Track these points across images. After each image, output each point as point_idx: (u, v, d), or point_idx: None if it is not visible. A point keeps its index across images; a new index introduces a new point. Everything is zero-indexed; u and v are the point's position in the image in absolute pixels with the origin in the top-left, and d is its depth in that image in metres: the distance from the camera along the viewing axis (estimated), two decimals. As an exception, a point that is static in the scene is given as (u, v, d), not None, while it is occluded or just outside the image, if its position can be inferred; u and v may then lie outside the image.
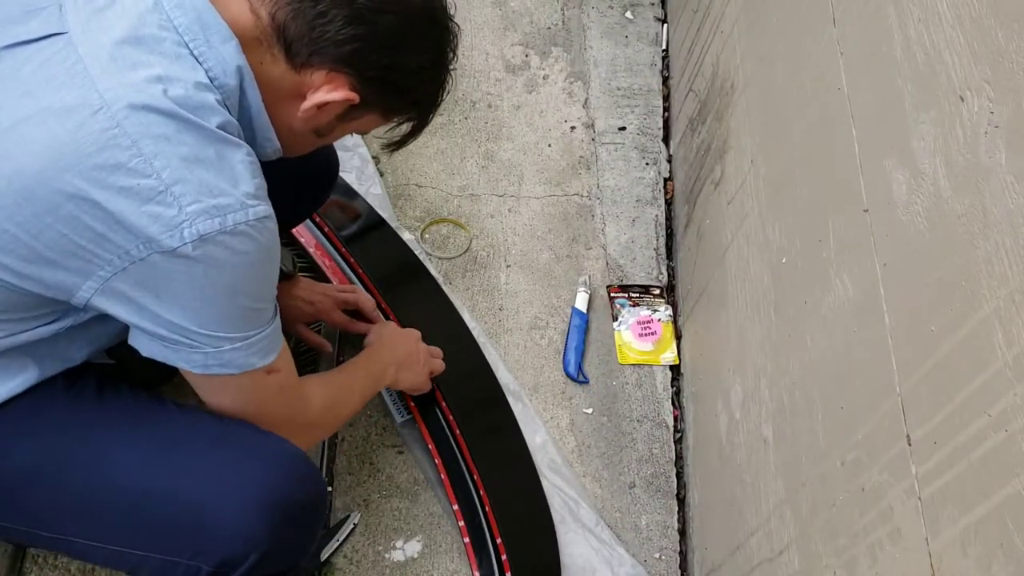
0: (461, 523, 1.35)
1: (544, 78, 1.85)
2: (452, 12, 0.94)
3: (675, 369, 1.57)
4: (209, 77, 0.81)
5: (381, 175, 1.68)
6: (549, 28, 1.92)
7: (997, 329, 0.68)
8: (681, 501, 1.46)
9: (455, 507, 1.35)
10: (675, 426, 1.52)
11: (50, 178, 0.74)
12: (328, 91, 0.86)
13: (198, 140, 0.78)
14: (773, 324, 1.14)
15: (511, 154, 1.73)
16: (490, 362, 1.51)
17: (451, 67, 0.95)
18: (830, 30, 1.04)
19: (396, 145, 1.00)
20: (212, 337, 0.84)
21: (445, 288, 1.57)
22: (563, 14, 1.94)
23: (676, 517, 1.44)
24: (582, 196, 1.73)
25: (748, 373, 1.22)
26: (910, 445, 0.78)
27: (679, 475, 1.48)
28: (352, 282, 1.51)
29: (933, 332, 0.76)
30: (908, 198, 0.82)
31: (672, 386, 1.55)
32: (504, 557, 1.31)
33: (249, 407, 0.95)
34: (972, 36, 0.75)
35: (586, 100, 1.84)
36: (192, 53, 0.80)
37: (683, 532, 1.43)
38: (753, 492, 1.15)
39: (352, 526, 1.34)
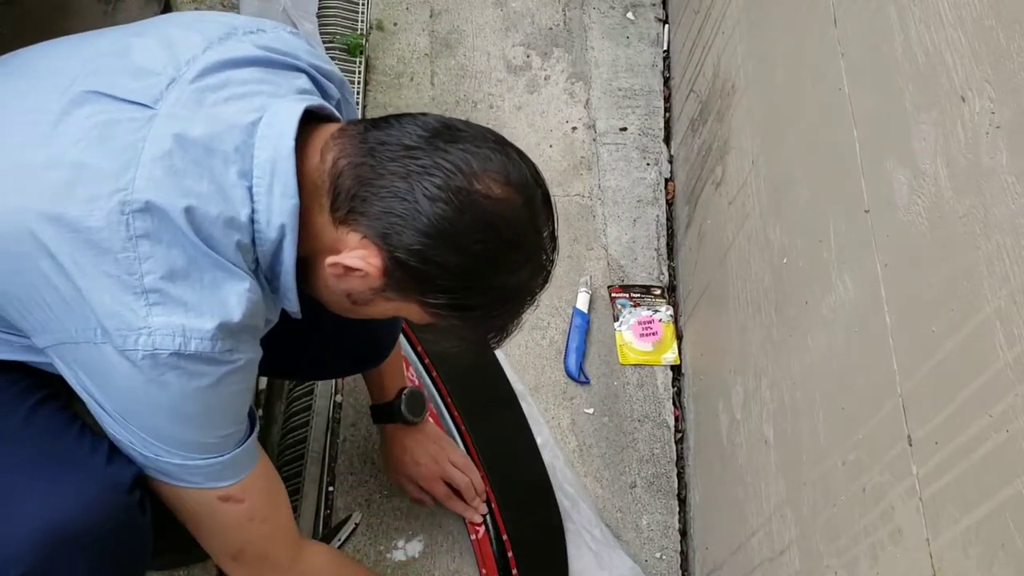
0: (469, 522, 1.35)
1: (545, 79, 1.85)
2: (550, 242, 0.85)
3: (676, 369, 1.57)
4: (252, 219, 0.79)
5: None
6: (550, 29, 1.92)
7: (998, 329, 0.68)
8: (682, 501, 1.46)
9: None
10: (676, 426, 1.52)
11: (40, 229, 0.73)
12: (354, 257, 0.80)
13: (197, 260, 0.76)
14: (774, 324, 1.14)
15: (512, 154, 1.73)
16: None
17: (524, 294, 0.85)
18: (831, 31, 1.04)
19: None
20: (146, 441, 0.81)
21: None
22: (564, 15, 1.94)
23: (677, 517, 1.44)
24: (583, 196, 1.73)
25: (749, 373, 1.22)
26: (911, 445, 0.79)
27: (680, 475, 1.48)
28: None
29: (934, 332, 0.76)
30: (909, 199, 0.82)
31: (673, 386, 1.55)
32: (510, 555, 1.31)
33: (202, 528, 0.91)
34: (973, 36, 0.75)
35: (587, 101, 1.84)
36: (250, 190, 0.78)
37: (684, 532, 1.43)
38: (754, 492, 1.15)
39: (354, 526, 1.34)
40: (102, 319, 0.74)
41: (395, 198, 0.78)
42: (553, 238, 0.86)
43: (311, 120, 0.83)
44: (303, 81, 0.88)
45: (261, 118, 0.80)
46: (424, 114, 0.83)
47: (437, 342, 0.88)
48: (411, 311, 0.86)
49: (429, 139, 0.80)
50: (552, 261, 0.87)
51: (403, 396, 1.29)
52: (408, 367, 1.42)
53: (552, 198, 0.86)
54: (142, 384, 0.76)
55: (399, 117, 0.83)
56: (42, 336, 0.78)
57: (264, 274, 0.84)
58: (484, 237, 0.79)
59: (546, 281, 0.87)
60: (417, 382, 1.42)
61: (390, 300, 0.84)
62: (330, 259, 0.81)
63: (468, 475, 1.35)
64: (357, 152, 0.79)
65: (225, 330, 0.77)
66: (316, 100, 0.85)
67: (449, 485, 1.34)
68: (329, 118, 0.86)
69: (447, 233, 0.78)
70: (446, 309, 0.84)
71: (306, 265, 0.84)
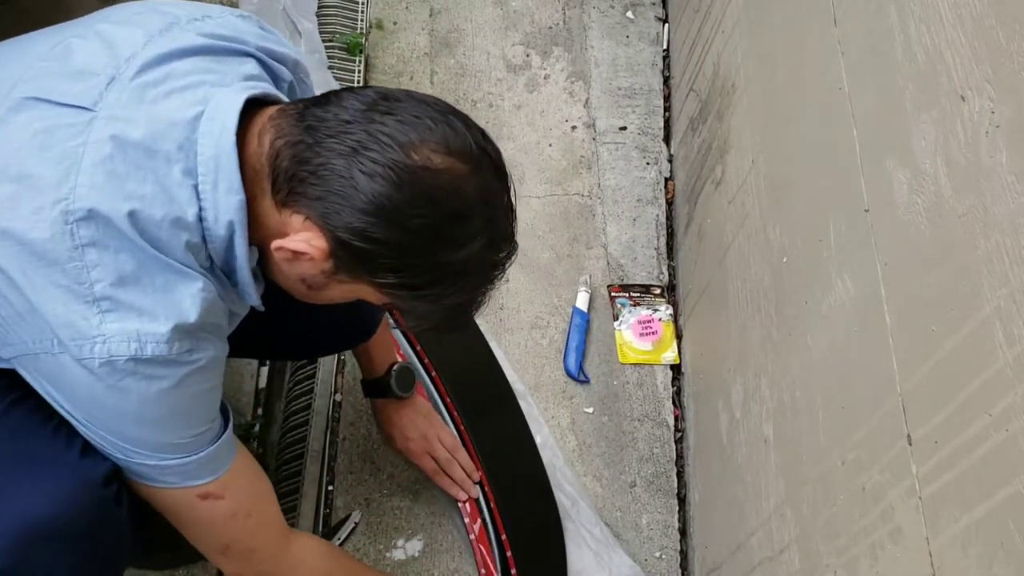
0: (467, 520, 1.35)
1: (545, 78, 1.85)
2: (505, 211, 0.81)
3: (676, 368, 1.57)
4: (201, 216, 0.77)
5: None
6: (550, 28, 1.92)
7: (998, 329, 0.68)
8: (682, 500, 1.46)
9: (464, 504, 1.36)
10: (676, 425, 1.52)
11: None
12: (298, 240, 0.77)
13: (147, 264, 0.75)
14: (774, 324, 1.14)
15: (512, 153, 1.74)
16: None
17: (481, 268, 0.82)
18: (831, 30, 1.04)
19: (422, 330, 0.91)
20: (117, 445, 0.81)
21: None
22: (564, 14, 1.94)
23: (677, 516, 1.44)
24: (583, 195, 1.73)
25: (749, 373, 1.22)
26: (911, 445, 0.78)
27: (680, 474, 1.48)
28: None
29: (934, 332, 0.76)
30: (909, 198, 0.82)
31: (673, 385, 1.55)
32: (509, 554, 1.31)
33: (186, 526, 0.91)
34: (973, 36, 0.75)
35: (587, 100, 1.84)
36: (196, 187, 0.77)
37: (684, 531, 1.43)
38: (754, 491, 1.15)
39: (353, 525, 1.34)
40: (56, 330, 0.73)
41: (333, 176, 0.75)
42: (509, 207, 0.83)
43: (256, 107, 0.81)
44: (251, 66, 0.86)
45: (203, 111, 0.78)
46: (366, 87, 0.81)
47: (409, 323, 0.86)
48: (366, 293, 0.84)
49: (365, 112, 0.77)
50: (510, 230, 0.83)
51: (393, 372, 1.31)
52: (397, 347, 1.42)
53: (506, 166, 0.82)
54: (103, 391, 0.76)
55: (339, 92, 0.80)
56: (3, 349, 0.78)
57: (221, 269, 0.83)
58: (424, 212, 0.76)
59: (510, 253, 0.84)
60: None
61: (343, 283, 0.82)
62: (275, 243, 0.79)
63: (454, 454, 1.36)
64: (294, 131, 0.77)
65: (181, 331, 0.76)
66: (261, 87, 0.83)
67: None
68: (275, 104, 0.84)
69: (386, 209, 0.75)
70: (398, 289, 0.81)
71: (262, 254, 0.83)
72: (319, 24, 1.76)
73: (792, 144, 1.14)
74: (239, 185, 0.77)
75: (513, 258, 0.85)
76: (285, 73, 0.91)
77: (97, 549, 0.84)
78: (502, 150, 0.84)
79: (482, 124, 0.84)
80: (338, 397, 1.45)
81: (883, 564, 0.82)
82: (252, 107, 0.80)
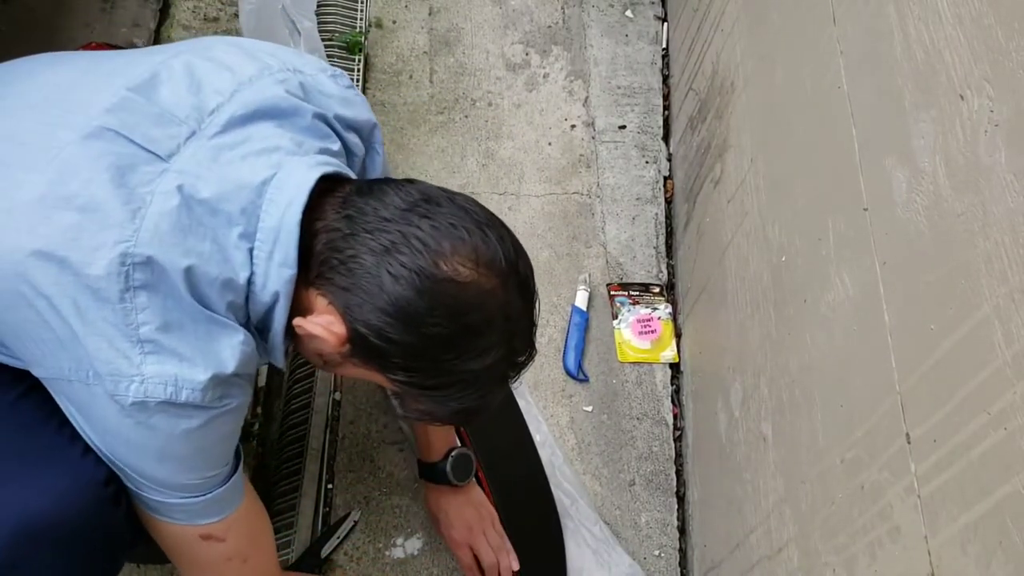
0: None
1: (544, 76, 1.85)
2: (525, 329, 0.84)
3: (675, 367, 1.57)
4: (250, 280, 0.79)
5: (381, 173, 1.67)
6: (549, 27, 1.92)
7: (996, 328, 0.68)
8: (681, 499, 1.46)
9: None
10: (675, 424, 1.52)
11: (42, 269, 0.72)
12: (317, 324, 0.80)
13: (192, 314, 0.76)
14: (773, 322, 1.14)
15: (511, 152, 1.73)
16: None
17: (492, 380, 0.84)
18: (830, 29, 1.04)
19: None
20: (130, 477, 0.83)
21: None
22: (563, 13, 1.94)
23: (676, 515, 1.44)
24: (582, 194, 1.73)
25: (748, 371, 1.22)
26: (909, 443, 0.79)
27: (679, 473, 1.48)
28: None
29: (933, 330, 0.76)
30: (908, 197, 0.82)
31: (672, 384, 1.55)
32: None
33: (182, 562, 0.92)
34: (972, 35, 0.75)
35: (586, 98, 1.84)
36: (251, 252, 0.78)
37: (683, 530, 1.43)
38: (753, 490, 1.15)
39: (352, 523, 1.34)
40: (95, 363, 0.74)
41: (362, 270, 0.77)
42: (530, 324, 0.85)
43: (325, 184, 0.82)
44: (329, 141, 0.87)
45: (274, 176, 0.79)
46: (411, 182, 0.82)
47: (414, 415, 0.88)
48: (378, 379, 0.85)
49: (404, 212, 0.79)
50: (527, 349, 0.86)
51: (451, 458, 1.26)
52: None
53: (534, 283, 0.85)
54: (131, 427, 0.77)
55: (383, 185, 0.82)
56: (36, 368, 0.79)
57: (255, 326, 0.84)
58: (442, 321, 0.78)
59: (526, 362, 0.86)
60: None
61: (357, 367, 0.84)
62: (296, 320, 0.81)
63: (497, 556, 1.28)
64: (333, 217, 0.79)
65: (217, 380, 0.77)
66: (334, 164, 0.84)
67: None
68: (342, 181, 0.85)
69: (406, 313, 0.77)
70: (408, 386, 0.84)
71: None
72: (318, 23, 1.76)
73: (791, 143, 1.14)
74: (294, 260, 0.79)
75: (529, 365, 0.87)
76: (358, 147, 0.92)
77: (93, 548, 0.85)
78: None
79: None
80: (337, 395, 1.45)
81: (882, 562, 0.82)
82: (321, 184, 0.81)
